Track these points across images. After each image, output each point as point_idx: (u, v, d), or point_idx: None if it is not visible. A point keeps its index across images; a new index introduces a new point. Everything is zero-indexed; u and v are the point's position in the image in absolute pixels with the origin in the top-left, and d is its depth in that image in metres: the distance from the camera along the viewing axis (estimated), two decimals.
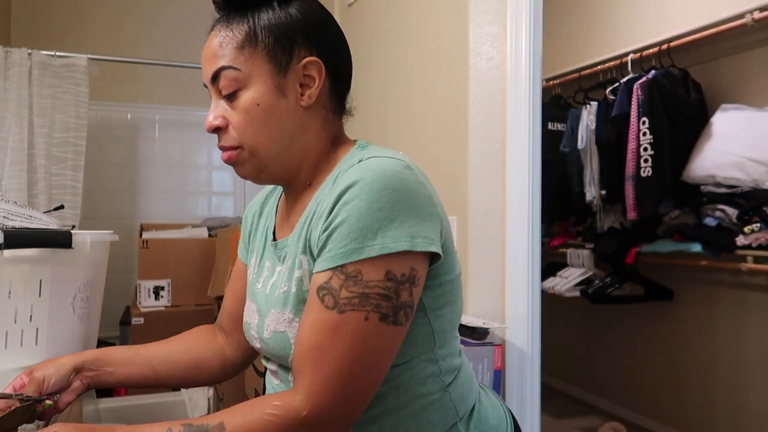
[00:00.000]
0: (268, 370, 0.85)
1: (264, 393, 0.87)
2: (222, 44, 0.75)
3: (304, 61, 0.75)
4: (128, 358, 0.91)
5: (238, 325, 0.94)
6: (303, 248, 0.73)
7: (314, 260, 0.71)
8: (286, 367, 0.78)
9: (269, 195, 0.95)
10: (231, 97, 0.75)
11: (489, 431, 0.80)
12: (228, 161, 0.77)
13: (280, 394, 0.68)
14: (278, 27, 0.75)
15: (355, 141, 0.83)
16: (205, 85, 0.78)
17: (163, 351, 0.94)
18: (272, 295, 0.77)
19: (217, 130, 0.77)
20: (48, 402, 0.80)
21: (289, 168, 0.79)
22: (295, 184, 0.81)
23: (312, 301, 0.68)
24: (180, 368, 0.94)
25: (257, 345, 0.82)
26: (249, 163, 0.77)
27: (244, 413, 0.66)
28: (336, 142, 0.82)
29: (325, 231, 0.68)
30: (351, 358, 0.65)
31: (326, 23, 0.80)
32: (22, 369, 1.02)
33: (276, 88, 0.75)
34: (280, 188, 0.91)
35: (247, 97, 0.74)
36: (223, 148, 0.77)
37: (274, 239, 0.85)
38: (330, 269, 0.66)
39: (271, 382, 0.84)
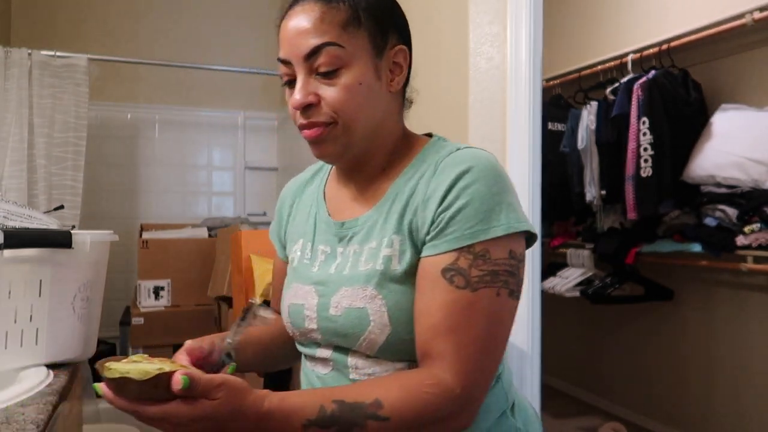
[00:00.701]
0: (308, 359, 0.83)
1: (297, 386, 0.85)
2: (323, 20, 0.73)
3: (396, 48, 0.78)
4: (259, 338, 0.90)
5: None
6: (396, 229, 0.74)
7: (413, 240, 0.73)
8: (344, 350, 0.76)
9: (308, 182, 0.94)
10: (329, 75, 0.73)
11: (528, 420, 0.83)
12: (316, 137, 0.75)
13: (427, 372, 0.67)
14: (377, 11, 0.76)
15: (428, 134, 0.86)
16: (284, 61, 0.76)
17: (269, 333, 0.93)
18: (340, 273, 0.77)
19: (307, 107, 0.74)
20: (233, 365, 0.76)
21: (370, 150, 0.79)
22: (368, 168, 0.81)
23: (437, 283, 0.68)
24: (291, 349, 0.92)
25: (311, 326, 0.79)
26: (339, 141, 0.75)
27: (400, 389, 0.65)
28: (404, 130, 0.84)
29: (442, 212, 0.70)
30: (488, 333, 0.68)
31: (403, 12, 0.82)
32: (22, 369, 1.02)
33: (374, 70, 0.76)
34: (323, 173, 0.92)
35: (349, 75, 0.73)
36: (312, 125, 0.74)
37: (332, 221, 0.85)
38: (455, 250, 0.69)
39: (316, 372, 0.81)
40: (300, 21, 0.73)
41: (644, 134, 2.47)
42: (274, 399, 0.62)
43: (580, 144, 2.83)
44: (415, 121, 2.30)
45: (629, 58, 2.73)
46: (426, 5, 2.00)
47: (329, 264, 0.79)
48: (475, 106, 1.71)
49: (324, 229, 0.83)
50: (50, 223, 1.13)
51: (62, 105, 2.60)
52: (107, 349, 3.07)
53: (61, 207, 1.58)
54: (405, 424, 0.64)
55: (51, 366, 1.05)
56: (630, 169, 2.52)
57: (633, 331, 3.04)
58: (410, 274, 0.73)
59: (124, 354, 2.90)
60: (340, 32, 0.73)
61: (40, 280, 1.03)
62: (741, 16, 2.29)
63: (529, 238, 0.74)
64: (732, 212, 2.30)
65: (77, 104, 2.62)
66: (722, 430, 2.58)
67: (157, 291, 2.82)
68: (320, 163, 0.94)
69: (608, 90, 2.77)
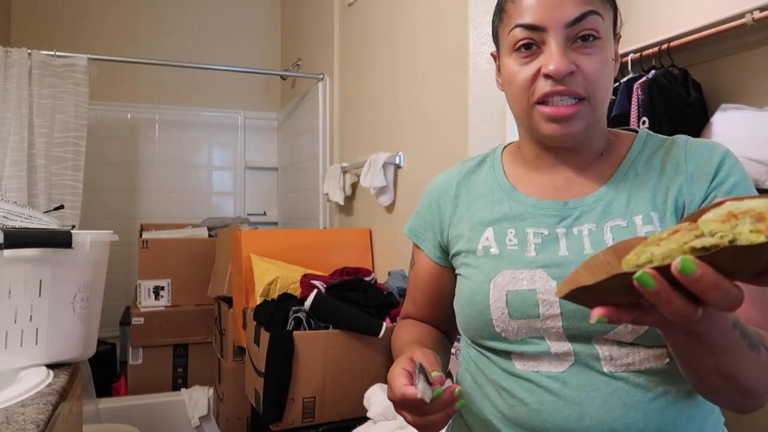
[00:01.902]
0: (521, 358, 0.74)
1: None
2: None
3: (618, 34, 0.78)
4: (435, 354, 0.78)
5: (454, 325, 0.88)
6: (651, 206, 0.73)
7: (677, 216, 0.72)
8: (586, 340, 0.70)
9: (472, 173, 0.88)
10: (589, 45, 0.71)
11: None
12: (572, 114, 0.71)
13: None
14: None
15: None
16: (533, 26, 0.71)
17: (435, 343, 0.87)
18: (580, 253, 0.72)
19: (565, 76, 0.70)
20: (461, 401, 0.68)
21: (595, 133, 0.78)
22: (588, 151, 0.79)
23: None
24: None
25: (550, 312, 0.71)
26: (586, 119, 0.72)
27: (763, 331, 0.65)
28: None
29: (716, 188, 0.71)
30: None
31: None
32: (22, 369, 1.02)
33: (613, 50, 0.76)
34: (490, 162, 0.88)
35: (605, 49, 0.72)
36: (570, 93, 0.70)
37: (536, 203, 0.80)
38: None
39: (541, 372, 0.72)
40: None
41: None
42: None
43: None
44: (414, 121, 2.31)
45: (629, 58, 2.73)
46: (427, 5, 2.00)
47: (552, 245, 0.74)
48: (475, 105, 1.71)
49: (531, 213, 0.78)
50: (50, 223, 1.13)
51: (62, 105, 2.60)
52: (107, 350, 3.08)
53: (61, 207, 1.58)
54: None
55: (51, 366, 1.05)
56: None
57: None
58: None
59: (124, 353, 2.90)
60: (601, 5, 0.72)
61: (40, 280, 1.03)
62: (741, 16, 2.28)
63: None
64: None
65: (77, 104, 2.62)
66: None
67: (157, 291, 2.82)
68: (481, 154, 0.91)
69: None
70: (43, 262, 1.02)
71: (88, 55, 2.68)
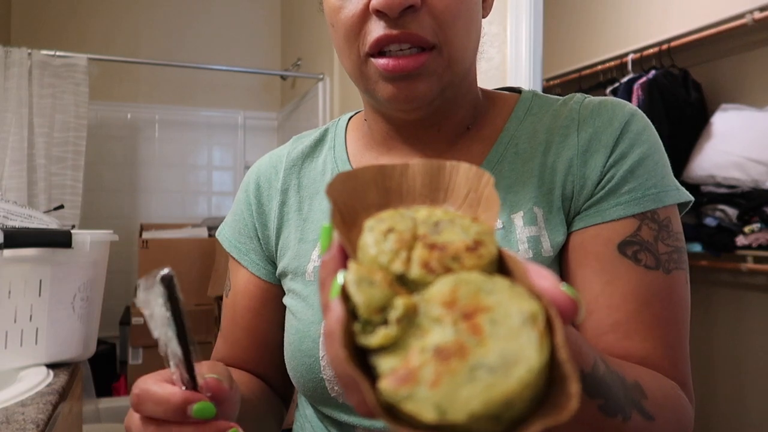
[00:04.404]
0: None
1: None
2: None
3: None
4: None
5: (279, 366, 0.63)
6: (535, 198, 0.53)
7: (566, 210, 0.53)
8: None
9: (308, 156, 0.65)
10: None
11: None
12: (415, 68, 0.49)
13: (658, 374, 0.49)
14: None
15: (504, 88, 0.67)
16: None
17: (249, 384, 0.64)
18: None
19: (404, 12, 0.48)
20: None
21: (458, 98, 0.57)
22: (450, 125, 0.58)
23: (614, 264, 0.50)
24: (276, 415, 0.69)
25: None
26: (438, 77, 0.52)
27: (655, 379, 0.47)
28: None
29: (614, 166, 0.52)
30: (686, 333, 0.51)
31: None
32: (22, 369, 1.02)
33: None
34: (331, 141, 0.66)
35: None
36: (410, 38, 0.49)
37: None
38: (635, 216, 0.50)
39: None
40: None
41: None
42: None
43: None
44: None
45: (629, 58, 2.73)
46: None
47: None
48: None
49: None
50: (50, 222, 1.13)
51: (62, 105, 2.60)
52: (107, 350, 3.07)
53: (61, 207, 1.58)
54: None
55: (51, 366, 1.05)
56: None
57: None
58: (559, 260, 0.53)
59: (124, 353, 2.91)
60: None
61: (40, 280, 1.03)
62: (741, 16, 2.29)
63: None
64: (732, 212, 2.30)
65: (77, 104, 2.62)
66: (722, 430, 2.58)
67: None
68: (320, 128, 0.68)
69: (608, 90, 2.77)
70: (43, 262, 1.02)
71: (88, 55, 2.68)
